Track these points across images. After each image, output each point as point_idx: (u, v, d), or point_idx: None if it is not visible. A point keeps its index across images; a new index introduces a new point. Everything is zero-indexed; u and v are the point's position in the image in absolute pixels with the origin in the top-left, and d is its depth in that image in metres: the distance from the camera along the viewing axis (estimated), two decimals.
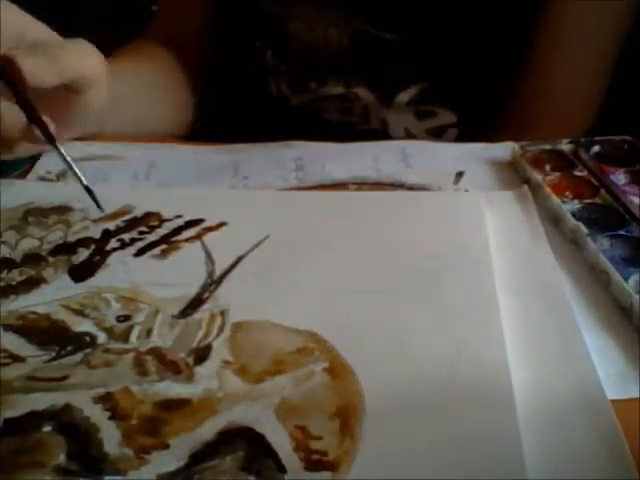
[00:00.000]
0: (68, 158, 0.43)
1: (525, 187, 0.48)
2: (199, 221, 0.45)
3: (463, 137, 0.66)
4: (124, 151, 0.55)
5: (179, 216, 0.45)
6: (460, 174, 0.51)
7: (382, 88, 0.66)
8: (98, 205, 0.43)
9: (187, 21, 0.72)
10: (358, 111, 0.68)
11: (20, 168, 0.52)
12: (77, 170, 0.43)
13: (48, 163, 0.53)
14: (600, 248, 0.41)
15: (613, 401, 0.32)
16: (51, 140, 0.43)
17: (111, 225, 0.45)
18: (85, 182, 0.43)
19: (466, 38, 0.62)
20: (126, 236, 0.44)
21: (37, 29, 0.45)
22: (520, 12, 0.61)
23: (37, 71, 0.41)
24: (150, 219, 0.45)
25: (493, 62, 0.63)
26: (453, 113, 0.66)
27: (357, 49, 0.65)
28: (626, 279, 0.38)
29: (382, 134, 0.68)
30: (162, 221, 0.45)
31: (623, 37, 0.61)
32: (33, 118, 0.42)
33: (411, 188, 0.50)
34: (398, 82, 0.66)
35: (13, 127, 0.42)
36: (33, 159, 0.53)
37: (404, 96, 0.65)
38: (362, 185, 0.50)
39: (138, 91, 0.62)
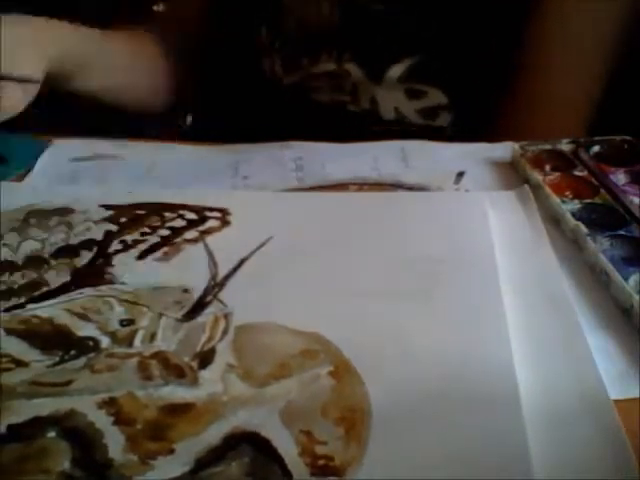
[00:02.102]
0: None
1: (526, 187, 0.48)
2: (202, 220, 0.45)
3: (458, 124, 0.66)
4: (124, 151, 0.55)
5: (180, 215, 0.45)
6: (461, 174, 0.51)
7: (372, 63, 0.66)
8: None
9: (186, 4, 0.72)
10: (348, 88, 0.68)
11: (20, 169, 0.52)
12: None
13: (47, 164, 0.52)
14: (600, 248, 0.41)
15: (614, 401, 0.32)
16: None
17: (113, 226, 0.44)
18: None
19: (457, 14, 0.62)
20: (128, 237, 0.44)
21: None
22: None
23: None
24: (151, 219, 0.45)
25: (485, 43, 0.62)
26: (443, 93, 0.66)
27: (347, 22, 0.65)
28: (626, 279, 0.38)
29: (372, 114, 0.67)
30: (164, 221, 0.45)
31: (621, 36, 0.61)
32: None
33: (411, 188, 0.49)
34: (387, 57, 0.65)
35: None
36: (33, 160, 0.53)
37: (394, 72, 0.65)
38: (362, 185, 0.50)
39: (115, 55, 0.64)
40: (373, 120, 0.67)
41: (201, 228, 0.44)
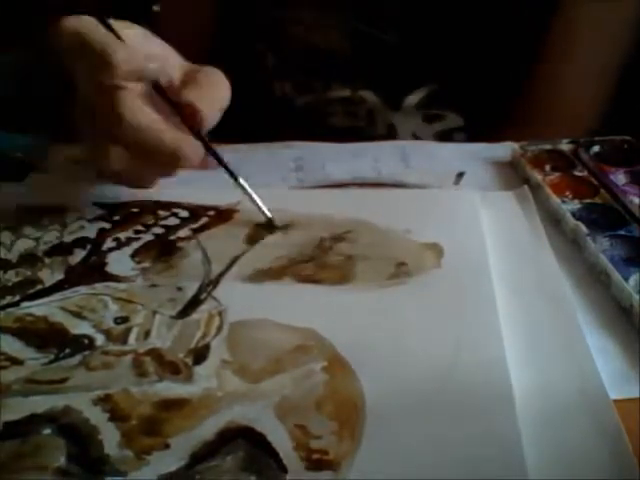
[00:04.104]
0: (247, 188, 0.44)
1: (525, 187, 0.48)
2: (196, 217, 0.45)
3: (471, 140, 0.66)
4: None
5: (174, 214, 0.45)
6: (460, 174, 0.51)
7: (388, 91, 0.66)
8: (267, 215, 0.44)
9: (190, 25, 0.71)
10: (364, 114, 0.68)
11: (19, 169, 0.52)
12: (256, 198, 0.44)
13: (45, 165, 0.53)
14: (600, 248, 0.41)
15: (613, 401, 0.32)
16: (225, 167, 0.44)
17: (106, 224, 0.45)
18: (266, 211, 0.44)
19: (471, 41, 0.62)
20: (122, 235, 0.44)
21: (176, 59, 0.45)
22: (528, 17, 0.61)
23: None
24: (145, 217, 0.45)
25: (500, 65, 0.62)
26: (461, 116, 0.66)
27: (360, 52, 0.65)
28: (626, 279, 0.38)
29: (389, 139, 0.66)
30: (158, 219, 0.45)
31: (630, 39, 0.61)
32: (208, 149, 0.43)
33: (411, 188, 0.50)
34: (404, 85, 0.65)
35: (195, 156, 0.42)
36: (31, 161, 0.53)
37: (412, 99, 0.65)
38: (362, 185, 0.50)
39: None
40: None
41: (194, 226, 0.45)
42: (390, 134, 0.68)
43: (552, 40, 0.61)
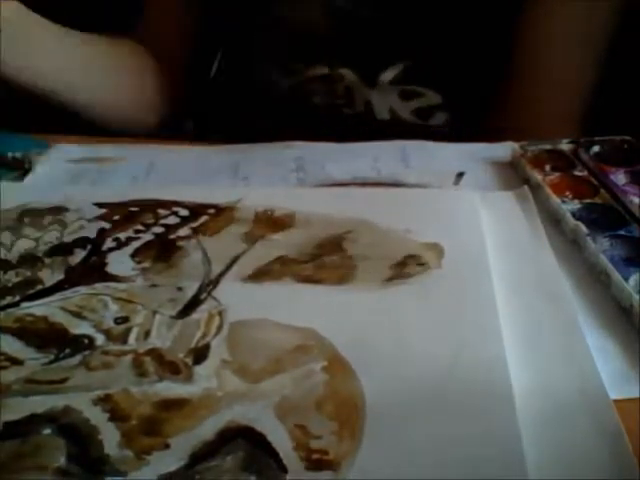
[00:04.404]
0: None
1: (525, 188, 0.48)
2: (196, 216, 0.45)
3: (454, 122, 0.66)
4: (123, 152, 0.55)
5: (174, 212, 0.45)
6: (460, 175, 0.51)
7: (365, 67, 0.66)
8: None
9: (174, 13, 0.72)
10: (342, 92, 0.68)
11: (19, 170, 0.52)
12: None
13: (46, 165, 0.53)
14: (600, 248, 0.41)
15: (613, 401, 0.32)
16: None
17: (107, 224, 0.45)
18: None
19: (448, 16, 0.62)
20: (122, 235, 0.44)
21: None
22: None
23: None
24: (145, 216, 0.45)
25: (477, 42, 0.63)
26: (438, 93, 0.66)
27: (339, 28, 0.65)
28: (626, 279, 0.38)
29: (367, 116, 0.67)
30: (158, 218, 0.45)
31: (610, 35, 0.61)
32: None
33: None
34: (380, 61, 0.65)
35: None
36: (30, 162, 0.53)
37: (387, 75, 0.65)
38: (362, 185, 0.50)
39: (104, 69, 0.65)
40: (368, 122, 0.67)
41: (194, 224, 0.45)
42: (368, 112, 0.68)
43: (530, 29, 0.61)
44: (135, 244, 0.43)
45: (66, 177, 0.52)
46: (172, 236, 0.44)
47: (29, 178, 0.51)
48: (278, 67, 0.69)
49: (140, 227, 0.44)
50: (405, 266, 0.40)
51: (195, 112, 0.77)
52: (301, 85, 0.69)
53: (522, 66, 0.62)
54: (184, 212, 0.46)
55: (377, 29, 0.64)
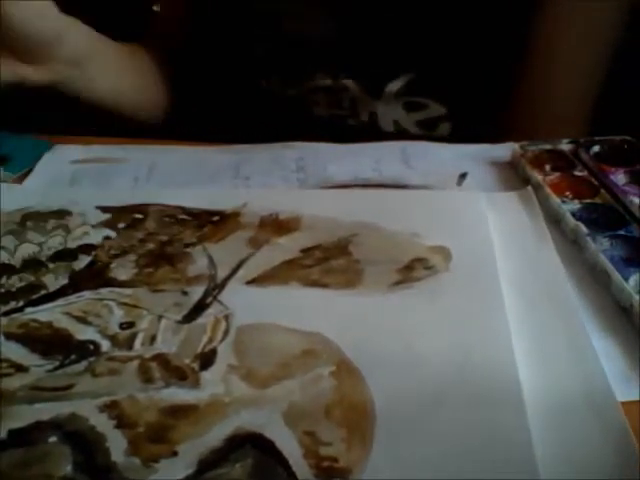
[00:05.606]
0: None
1: (529, 188, 0.48)
2: (201, 223, 0.45)
3: (457, 132, 0.66)
4: (125, 153, 0.54)
5: (179, 220, 0.45)
6: (463, 175, 0.50)
7: (369, 79, 0.66)
8: None
9: (179, 21, 0.72)
10: (347, 104, 0.68)
11: (20, 171, 0.52)
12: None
13: (47, 166, 0.52)
14: (600, 248, 0.41)
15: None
16: None
17: (111, 232, 0.44)
18: None
19: (452, 29, 0.62)
20: (126, 242, 0.43)
21: None
22: (511, 8, 0.60)
23: None
24: (150, 223, 0.45)
25: (481, 55, 0.62)
26: (443, 105, 0.66)
27: (343, 40, 0.65)
28: (626, 279, 0.38)
29: (371, 127, 0.67)
30: (162, 226, 0.45)
31: (617, 38, 0.61)
32: None
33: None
34: (385, 73, 0.65)
35: None
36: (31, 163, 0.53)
37: (392, 87, 0.65)
38: (364, 186, 0.50)
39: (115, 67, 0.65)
40: (372, 133, 0.67)
41: (199, 233, 0.44)
42: (372, 123, 0.68)
43: (536, 38, 0.61)
44: (140, 250, 0.42)
45: (67, 178, 0.51)
46: (177, 244, 0.43)
47: (30, 179, 0.51)
48: (281, 77, 0.69)
49: (144, 235, 0.44)
50: (412, 270, 0.40)
51: (196, 119, 0.77)
52: (304, 96, 0.68)
53: (529, 71, 0.62)
54: (189, 219, 0.45)
55: (381, 41, 0.64)
